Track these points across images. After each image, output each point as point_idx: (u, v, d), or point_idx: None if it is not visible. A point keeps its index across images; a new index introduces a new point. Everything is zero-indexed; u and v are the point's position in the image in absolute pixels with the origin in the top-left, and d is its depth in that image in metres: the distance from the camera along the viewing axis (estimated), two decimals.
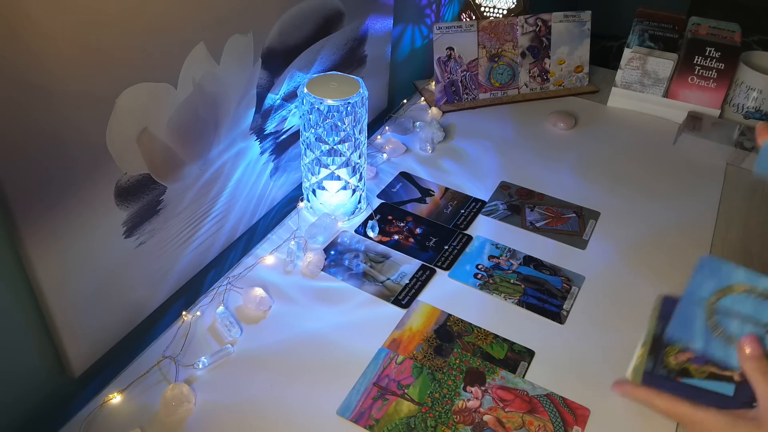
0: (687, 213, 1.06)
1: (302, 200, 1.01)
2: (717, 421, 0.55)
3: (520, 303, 0.87)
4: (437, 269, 0.92)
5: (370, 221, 0.98)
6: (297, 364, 0.77)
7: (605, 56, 1.98)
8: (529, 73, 1.34)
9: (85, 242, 0.68)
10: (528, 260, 0.94)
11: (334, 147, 0.91)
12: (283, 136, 0.99)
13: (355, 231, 0.98)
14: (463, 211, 1.03)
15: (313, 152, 0.92)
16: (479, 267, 0.93)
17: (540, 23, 1.32)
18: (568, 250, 0.97)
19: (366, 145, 0.96)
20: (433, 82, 1.31)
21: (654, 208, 1.06)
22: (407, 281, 0.90)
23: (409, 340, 0.81)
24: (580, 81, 1.39)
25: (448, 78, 1.29)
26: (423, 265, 0.93)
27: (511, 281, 0.91)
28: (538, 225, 1.01)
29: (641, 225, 1.03)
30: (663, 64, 1.28)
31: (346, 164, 0.94)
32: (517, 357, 0.80)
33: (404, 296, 0.87)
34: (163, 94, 0.72)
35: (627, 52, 1.31)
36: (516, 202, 1.06)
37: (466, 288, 0.89)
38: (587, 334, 0.84)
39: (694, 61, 1.26)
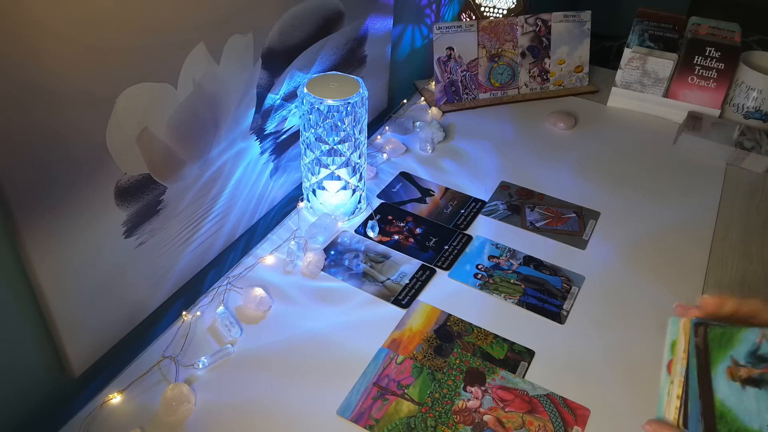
0: (687, 213, 1.06)
1: (302, 200, 1.01)
2: None
3: (520, 303, 0.87)
4: (437, 269, 0.92)
5: (370, 221, 0.98)
6: (297, 364, 0.77)
7: (605, 56, 1.98)
8: (529, 73, 1.34)
9: (86, 242, 0.68)
10: (528, 260, 0.94)
11: (334, 147, 0.91)
12: (283, 136, 0.99)
13: (355, 231, 0.98)
14: (463, 211, 1.03)
15: (313, 152, 0.92)
16: (479, 267, 0.93)
17: (540, 23, 1.32)
18: (568, 250, 0.97)
19: (366, 145, 0.96)
20: (433, 82, 1.31)
21: (654, 208, 1.06)
22: (407, 281, 0.90)
23: (409, 340, 0.81)
24: (580, 81, 1.39)
25: (448, 78, 1.29)
26: (423, 265, 0.93)
27: (511, 281, 0.91)
28: (538, 225, 1.01)
29: (641, 225, 1.03)
30: (663, 64, 1.28)
31: (346, 164, 0.94)
32: (517, 357, 0.80)
33: (404, 296, 0.87)
34: (163, 94, 0.72)
35: (627, 52, 1.31)
36: (516, 202, 1.06)
37: (466, 288, 0.89)
38: (587, 334, 0.84)
39: (694, 61, 1.27)
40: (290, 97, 0.97)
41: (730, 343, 0.60)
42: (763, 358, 0.58)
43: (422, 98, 1.34)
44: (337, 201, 0.97)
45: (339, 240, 0.96)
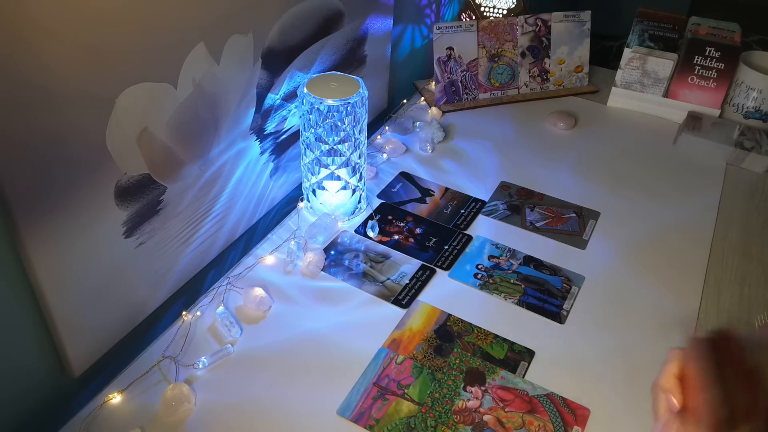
0: (687, 213, 1.06)
1: (302, 200, 1.01)
2: None
3: (520, 303, 0.87)
4: (437, 269, 0.92)
5: (370, 221, 0.98)
6: (297, 364, 0.77)
7: (605, 56, 1.98)
8: (529, 73, 1.34)
9: (86, 242, 0.68)
10: (528, 260, 0.94)
11: (334, 147, 0.91)
12: (283, 136, 0.99)
13: (355, 231, 0.98)
14: (463, 211, 1.03)
15: (313, 152, 0.92)
16: (479, 267, 0.93)
17: (540, 23, 1.32)
18: (568, 250, 0.97)
19: (366, 145, 0.96)
20: (433, 82, 1.31)
21: (654, 208, 1.06)
22: (407, 281, 0.90)
23: (409, 340, 0.81)
24: (580, 81, 1.39)
25: (448, 78, 1.29)
26: (423, 265, 0.93)
27: (511, 281, 0.91)
28: (538, 225, 1.01)
29: (641, 225, 1.03)
30: (663, 64, 1.28)
31: (346, 164, 0.94)
32: (517, 357, 0.80)
33: (404, 296, 0.87)
34: (163, 94, 0.72)
35: (627, 52, 1.31)
36: (516, 202, 1.06)
37: (466, 288, 0.89)
38: (587, 334, 0.84)
39: (694, 61, 1.26)
40: (290, 97, 0.97)
41: None
42: None
43: (422, 98, 1.34)
44: (337, 201, 0.97)
45: (339, 240, 0.96)
